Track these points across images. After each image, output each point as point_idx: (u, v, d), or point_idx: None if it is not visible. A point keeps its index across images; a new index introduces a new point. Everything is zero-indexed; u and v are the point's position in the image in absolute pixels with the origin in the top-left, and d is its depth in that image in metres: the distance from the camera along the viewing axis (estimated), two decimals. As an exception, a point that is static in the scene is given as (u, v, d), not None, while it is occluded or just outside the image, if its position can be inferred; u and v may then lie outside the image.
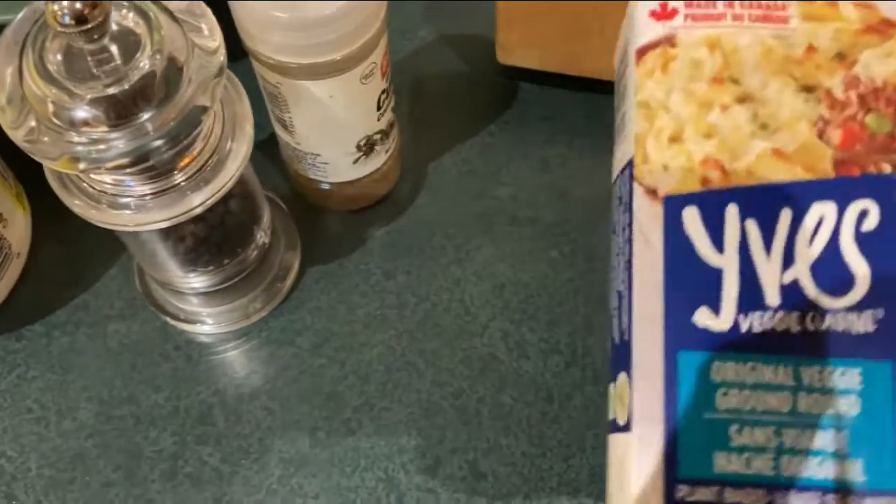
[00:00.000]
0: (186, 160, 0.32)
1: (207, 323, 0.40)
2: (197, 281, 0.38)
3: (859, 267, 0.24)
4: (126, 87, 0.28)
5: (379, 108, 0.37)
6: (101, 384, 0.40)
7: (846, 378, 0.23)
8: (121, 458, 0.38)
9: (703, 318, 0.24)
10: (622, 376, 0.25)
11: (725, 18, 0.27)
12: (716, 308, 0.24)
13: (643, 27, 0.27)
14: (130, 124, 0.28)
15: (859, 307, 0.24)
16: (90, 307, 0.42)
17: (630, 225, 0.26)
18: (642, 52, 0.27)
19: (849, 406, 0.23)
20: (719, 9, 0.27)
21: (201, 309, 0.40)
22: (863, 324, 0.24)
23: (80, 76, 0.28)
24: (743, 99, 0.26)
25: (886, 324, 0.23)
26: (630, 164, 0.26)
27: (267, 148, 0.45)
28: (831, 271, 0.24)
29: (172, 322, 0.41)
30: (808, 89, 0.26)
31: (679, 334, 0.24)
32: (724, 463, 0.23)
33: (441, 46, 0.48)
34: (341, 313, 0.41)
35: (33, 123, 0.28)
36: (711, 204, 0.25)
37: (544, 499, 0.36)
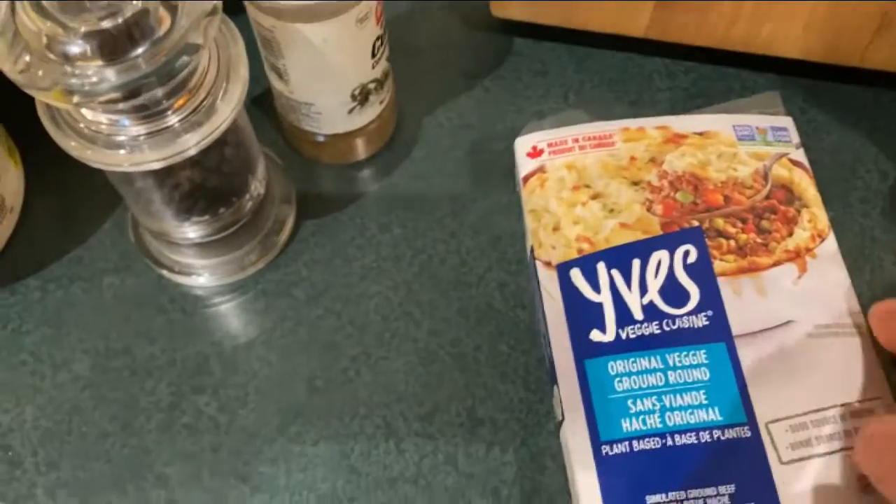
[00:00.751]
0: (181, 100, 0.32)
1: (203, 275, 0.40)
2: (192, 231, 0.38)
3: (690, 286, 0.36)
4: (119, 21, 0.28)
5: (374, 55, 0.37)
6: (97, 337, 0.40)
7: (696, 357, 0.34)
8: (117, 408, 0.38)
9: (596, 336, 0.35)
10: (555, 388, 0.35)
11: (574, 149, 0.40)
12: (602, 328, 0.35)
13: (524, 163, 0.40)
14: (124, 59, 0.28)
15: (695, 311, 0.35)
16: (84, 261, 0.41)
17: (539, 288, 0.37)
18: (526, 178, 0.40)
19: (702, 374, 0.34)
20: (569, 143, 0.40)
21: (196, 261, 0.40)
22: (700, 321, 0.35)
23: (73, 10, 0.28)
24: (595, 196, 0.38)
25: (715, 319, 0.35)
26: (532, 249, 0.38)
27: (262, 102, 0.45)
28: (673, 292, 0.35)
29: (168, 275, 0.41)
30: (635, 183, 0.38)
31: (582, 349, 0.35)
32: (628, 425, 0.33)
33: (436, 1, 0.48)
34: (337, 265, 0.41)
35: (27, 58, 0.28)
36: (587, 264, 0.37)
37: (542, 442, 0.36)
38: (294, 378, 0.39)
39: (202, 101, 0.32)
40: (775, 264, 0.36)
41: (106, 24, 0.28)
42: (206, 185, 0.36)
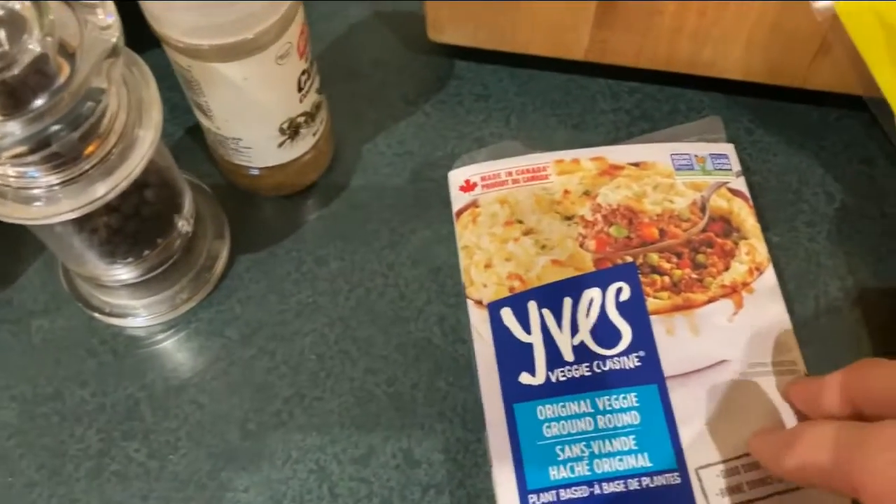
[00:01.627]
0: (91, 147, 0.30)
1: (134, 316, 0.39)
2: (119, 273, 0.37)
3: (622, 326, 0.35)
4: (16, 71, 0.27)
5: (300, 89, 0.36)
6: (25, 382, 0.39)
7: (627, 400, 0.33)
8: (45, 456, 0.37)
9: (525, 379, 0.34)
10: (485, 433, 0.35)
11: (507, 183, 0.39)
12: (532, 371, 0.34)
13: (456, 197, 0.39)
14: (25, 111, 0.27)
15: (627, 352, 0.34)
16: (13, 303, 0.40)
17: (469, 327, 0.37)
18: (458, 213, 0.39)
19: (632, 418, 0.33)
20: (502, 177, 0.39)
21: (127, 302, 0.39)
22: (632, 362, 0.34)
23: (-35, 64, 0.27)
24: (527, 232, 0.37)
25: (647, 360, 0.34)
26: (462, 287, 0.38)
27: (196, 134, 0.43)
28: (605, 332, 0.35)
29: (98, 316, 0.40)
30: (568, 218, 0.37)
31: (511, 393, 0.34)
32: (556, 473, 0.32)
33: (374, 25, 0.47)
34: (272, 302, 0.40)
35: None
36: (518, 303, 0.36)
37: (479, 484, 0.36)
38: (226, 421, 0.38)
39: (113, 147, 0.31)
40: (710, 301, 0.35)
41: (2, 76, 0.27)
42: (125, 229, 0.34)
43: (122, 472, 0.37)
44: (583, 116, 0.44)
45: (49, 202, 0.31)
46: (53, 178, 0.30)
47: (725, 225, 0.37)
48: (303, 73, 0.36)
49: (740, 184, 0.39)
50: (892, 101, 0.36)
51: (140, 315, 0.39)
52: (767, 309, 0.35)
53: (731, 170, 0.39)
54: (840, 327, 0.39)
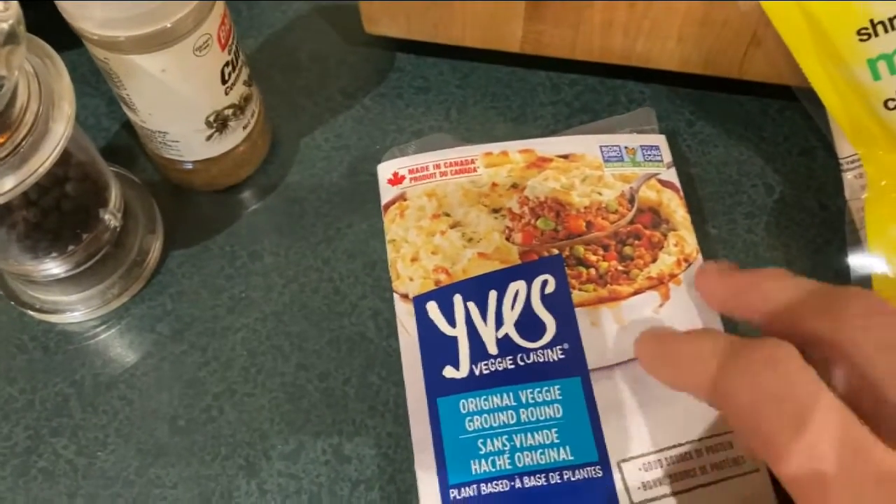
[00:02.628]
0: (1, 139, 0.30)
1: (64, 312, 0.39)
2: (47, 267, 0.37)
3: (547, 318, 0.34)
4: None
5: (224, 81, 0.36)
6: (-48, 379, 0.38)
7: (550, 393, 0.33)
8: (-30, 455, 0.37)
9: (449, 372, 0.34)
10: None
11: (435, 176, 0.39)
12: (456, 364, 0.34)
13: (385, 190, 0.39)
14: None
15: (551, 344, 0.34)
16: (-58, 299, 0.40)
17: (395, 321, 0.37)
18: (386, 207, 0.39)
19: (554, 411, 0.33)
20: (430, 170, 0.39)
21: (57, 297, 0.39)
22: (555, 355, 0.34)
23: None
24: (454, 225, 0.37)
25: (571, 352, 0.34)
26: (389, 281, 0.38)
27: (132, 129, 0.43)
28: (529, 324, 0.34)
29: (29, 312, 0.39)
30: (496, 210, 0.37)
31: (435, 386, 0.34)
32: (478, 467, 0.32)
33: (315, 18, 0.47)
34: (204, 297, 0.40)
35: None
36: (444, 296, 0.35)
37: (409, 479, 0.35)
38: (156, 417, 0.37)
39: (23, 139, 0.30)
40: (636, 293, 0.35)
41: None
42: (45, 224, 0.34)
43: (50, 469, 0.36)
44: (523, 109, 0.44)
45: (-41, 195, 0.30)
46: (-37, 172, 0.30)
47: (654, 216, 0.37)
48: (226, 64, 0.35)
49: (671, 175, 0.38)
50: (821, 95, 0.36)
51: (71, 311, 0.39)
52: (695, 301, 0.35)
53: (661, 161, 0.39)
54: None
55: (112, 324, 0.39)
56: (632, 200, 0.37)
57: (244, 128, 0.39)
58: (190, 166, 0.40)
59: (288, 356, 0.38)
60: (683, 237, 0.36)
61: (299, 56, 0.46)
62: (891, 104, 0.34)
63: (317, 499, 0.35)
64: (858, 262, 0.37)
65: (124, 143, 0.44)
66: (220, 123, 0.37)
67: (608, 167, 0.38)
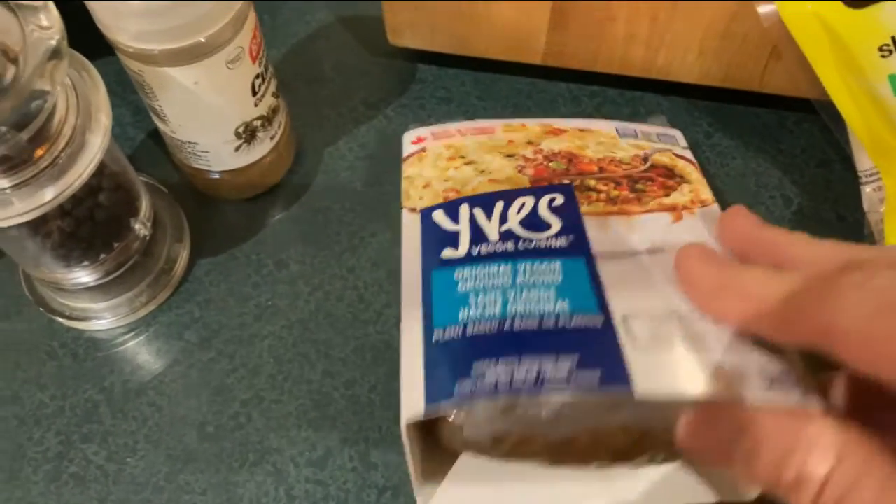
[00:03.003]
0: (41, 150, 0.31)
1: (94, 319, 0.39)
2: (77, 276, 0.37)
3: (552, 219, 0.32)
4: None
5: (255, 93, 0.37)
6: (-16, 385, 0.39)
7: (551, 267, 0.30)
8: (2, 459, 0.37)
9: (447, 253, 0.32)
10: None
11: (455, 136, 0.38)
12: (455, 246, 0.32)
13: (407, 147, 0.39)
14: (-31, 116, 0.27)
15: (557, 235, 0.32)
16: (-27, 307, 0.41)
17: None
18: (406, 158, 0.38)
19: (554, 277, 0.30)
20: (451, 132, 0.39)
21: (86, 305, 0.39)
22: (560, 243, 0.31)
23: None
24: (468, 163, 0.37)
25: (575, 241, 0.31)
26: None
27: (159, 136, 0.44)
28: (534, 222, 0.32)
29: (59, 320, 0.40)
30: (510, 156, 0.37)
31: (431, 264, 0.32)
32: (465, 314, 0.29)
33: (338, 29, 0.47)
34: (231, 305, 0.40)
35: None
36: (451, 206, 0.34)
37: (434, 487, 0.36)
38: (184, 424, 0.38)
39: (62, 151, 0.31)
40: (647, 212, 0.33)
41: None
42: (78, 234, 0.35)
43: (80, 474, 0.37)
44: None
45: (0, 206, 0.31)
46: (4, 182, 0.31)
47: (668, 172, 0.35)
48: (256, 76, 0.36)
49: (687, 153, 0.37)
50: (841, 108, 0.36)
51: (100, 318, 0.39)
52: (709, 230, 0.32)
53: (677, 143, 0.38)
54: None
55: (140, 331, 0.40)
56: (645, 159, 0.36)
57: (271, 138, 0.40)
58: (217, 176, 0.40)
59: (314, 363, 0.39)
60: (699, 189, 0.35)
61: (323, 67, 0.46)
62: (911, 118, 0.35)
63: (344, 505, 0.36)
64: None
65: (150, 152, 0.44)
66: (248, 134, 0.38)
67: (623, 139, 0.37)
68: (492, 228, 0.33)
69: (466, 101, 0.45)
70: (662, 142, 0.38)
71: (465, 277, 0.31)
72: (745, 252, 0.28)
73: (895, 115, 0.35)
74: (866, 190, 0.38)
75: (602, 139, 0.37)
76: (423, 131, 0.39)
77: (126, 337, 0.40)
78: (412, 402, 0.28)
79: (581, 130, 0.38)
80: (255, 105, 0.37)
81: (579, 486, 0.30)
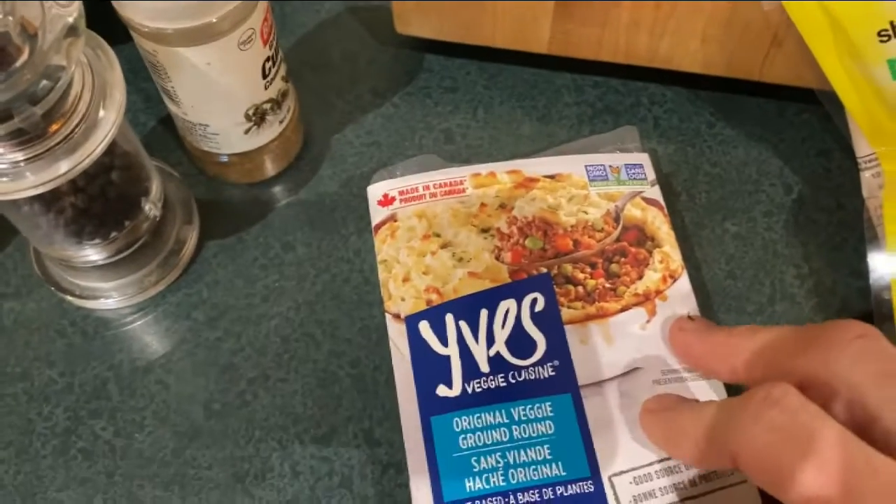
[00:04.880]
0: (56, 126, 0.31)
1: (103, 298, 0.40)
2: (88, 254, 0.38)
3: (537, 336, 0.35)
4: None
5: (265, 76, 0.37)
6: (-5, 362, 0.39)
7: (542, 409, 0.34)
8: (12, 434, 0.38)
9: (442, 391, 0.35)
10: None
11: (425, 197, 0.39)
12: (449, 383, 0.35)
13: (375, 211, 0.40)
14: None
15: (542, 362, 0.35)
16: (-15, 285, 0.41)
17: (387, 341, 0.37)
18: (377, 227, 0.40)
19: (546, 428, 0.33)
20: (420, 191, 0.40)
21: (97, 284, 0.40)
22: (546, 372, 0.34)
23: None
24: (445, 245, 0.38)
25: (561, 369, 0.35)
26: (381, 302, 0.39)
27: (169, 123, 0.44)
28: (519, 343, 0.35)
29: (69, 298, 0.40)
30: (485, 230, 0.38)
31: (428, 406, 0.35)
32: (472, 484, 0.33)
33: (347, 18, 0.48)
34: (239, 286, 0.41)
35: None
36: (435, 316, 0.36)
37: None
38: (191, 401, 0.38)
39: (76, 126, 0.32)
40: (623, 309, 0.36)
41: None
42: (91, 210, 0.35)
43: (88, 449, 0.37)
44: (548, 109, 0.45)
45: (15, 178, 0.31)
46: (19, 155, 0.31)
47: (639, 234, 0.38)
48: (267, 59, 0.37)
49: (655, 192, 0.39)
50: (840, 94, 0.37)
51: (109, 297, 0.40)
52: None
53: (645, 179, 0.40)
54: (795, 314, 0.40)
55: (149, 311, 0.41)
56: (617, 219, 0.38)
57: (280, 122, 0.40)
58: (226, 159, 0.41)
59: (320, 343, 0.39)
60: (668, 254, 0.38)
61: (331, 55, 0.47)
62: (909, 103, 0.35)
63: (348, 481, 0.36)
64: (876, 259, 0.38)
65: (161, 138, 0.45)
66: (258, 117, 0.39)
67: (593, 186, 0.39)
68: (480, 353, 0.35)
69: (472, 90, 0.46)
70: (631, 179, 0.39)
71: (464, 429, 0.34)
72: (706, 363, 0.33)
73: (893, 100, 0.35)
74: (865, 175, 0.39)
75: (573, 191, 0.39)
76: (388, 187, 0.41)
77: (135, 316, 0.40)
78: None
79: (552, 179, 0.40)
80: (265, 88, 0.38)
81: None
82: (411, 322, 0.37)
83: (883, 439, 0.26)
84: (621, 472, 0.33)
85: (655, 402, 0.33)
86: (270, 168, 0.43)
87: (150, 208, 0.39)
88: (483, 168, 0.40)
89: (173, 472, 0.37)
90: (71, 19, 0.29)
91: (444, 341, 0.36)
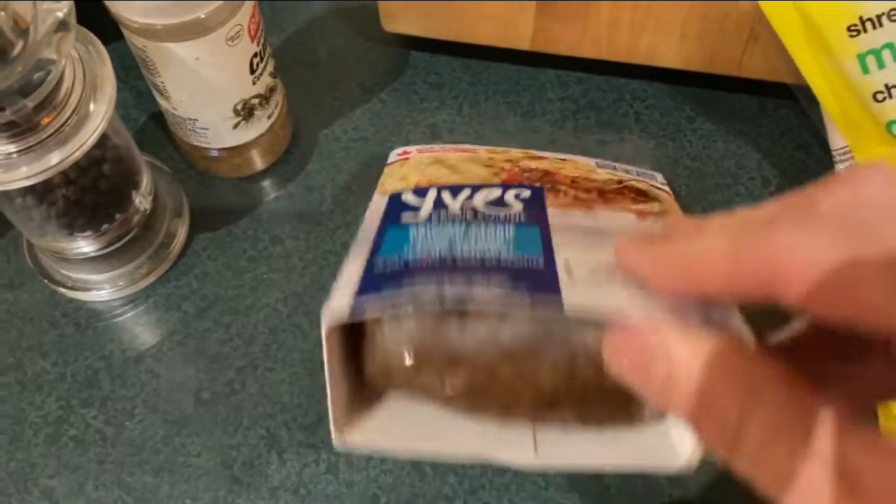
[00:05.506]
0: (47, 118, 0.32)
1: (94, 290, 0.41)
2: (79, 245, 0.39)
3: (515, 203, 0.31)
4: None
5: (253, 71, 0.38)
6: (-12, 352, 0.40)
7: (505, 228, 0.29)
8: (4, 423, 0.38)
9: (406, 217, 0.31)
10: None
11: (439, 152, 0.38)
12: (416, 212, 0.31)
13: (392, 159, 0.38)
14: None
15: (517, 213, 0.31)
16: (-21, 278, 0.42)
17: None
18: (389, 164, 0.37)
19: (506, 233, 0.29)
20: (436, 150, 0.38)
21: (88, 276, 0.41)
22: (518, 216, 0.30)
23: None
24: (447, 168, 0.36)
25: (534, 214, 0.31)
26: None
27: (160, 119, 0.45)
28: (497, 204, 0.31)
29: (61, 290, 0.41)
30: (488, 166, 0.37)
31: (387, 223, 0.31)
32: (409, 251, 0.28)
33: (334, 16, 0.49)
34: (228, 278, 0.42)
35: None
36: (420, 190, 0.33)
37: (422, 451, 0.37)
38: (181, 390, 0.39)
39: (68, 119, 0.33)
40: (613, 211, 0.32)
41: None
42: (82, 202, 0.36)
43: (80, 437, 0.38)
44: (532, 105, 0.46)
45: (7, 169, 0.32)
46: (12, 147, 0.32)
47: (642, 193, 0.35)
48: (255, 55, 0.38)
49: (664, 188, 0.39)
50: (814, 88, 0.38)
51: (101, 289, 0.41)
52: None
53: (656, 179, 0.40)
54: (771, 305, 0.40)
55: (140, 302, 0.41)
56: (620, 182, 0.38)
57: (268, 117, 0.41)
58: (215, 154, 0.42)
59: (307, 333, 0.40)
60: (670, 209, 0.35)
61: (319, 53, 0.48)
62: (879, 97, 0.36)
63: (334, 468, 0.37)
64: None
65: (152, 134, 0.46)
66: (246, 112, 0.39)
67: (601, 168, 0.39)
68: (455, 204, 0.32)
69: (458, 87, 0.47)
70: (641, 177, 0.39)
71: (420, 235, 0.29)
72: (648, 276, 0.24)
73: (864, 94, 0.36)
74: (840, 168, 0.39)
75: (579, 166, 0.38)
76: (409, 148, 0.39)
77: (126, 307, 0.41)
78: (339, 302, 0.26)
79: (561, 159, 0.38)
80: (253, 83, 0.39)
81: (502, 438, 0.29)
82: (395, 195, 0.34)
83: None
84: (578, 263, 0.27)
85: (635, 234, 0.25)
86: (259, 162, 0.44)
87: (141, 201, 0.39)
88: (498, 149, 0.39)
89: (163, 460, 0.38)
90: (61, 14, 0.29)
91: (421, 196, 0.32)
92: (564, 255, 0.28)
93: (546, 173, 0.36)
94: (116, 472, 0.37)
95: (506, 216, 0.31)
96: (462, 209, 0.31)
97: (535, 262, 0.27)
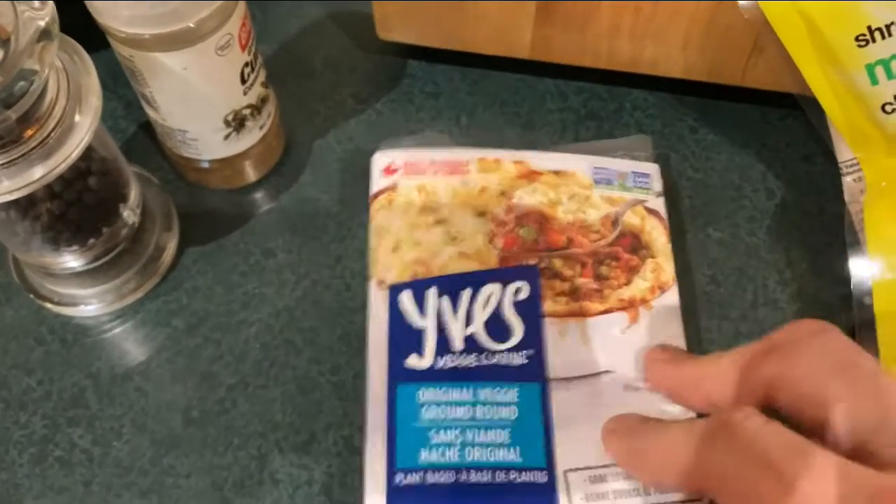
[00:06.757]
0: (31, 131, 0.31)
1: (82, 305, 0.40)
2: (65, 260, 0.38)
3: (516, 323, 0.35)
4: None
5: (244, 81, 0.37)
6: (-29, 370, 0.39)
7: (508, 395, 0.34)
8: (-12, 443, 0.37)
9: (412, 361, 0.35)
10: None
11: (428, 173, 0.39)
12: (421, 354, 0.35)
13: (377, 179, 0.40)
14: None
15: (516, 349, 0.35)
16: (-37, 293, 0.41)
17: (366, 307, 0.37)
18: (376, 195, 0.39)
19: (510, 412, 0.34)
20: (424, 166, 0.39)
21: (75, 291, 0.40)
22: (519, 359, 0.35)
23: None
24: (439, 222, 0.38)
25: (534, 359, 0.35)
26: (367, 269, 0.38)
27: (150, 130, 0.44)
28: (497, 327, 0.35)
29: (47, 305, 0.40)
30: (481, 214, 0.38)
31: (396, 373, 0.35)
32: (427, 456, 0.33)
33: (328, 25, 0.48)
34: (219, 293, 0.41)
35: None
36: (419, 288, 0.36)
37: (418, 472, 0.36)
38: (170, 409, 0.38)
39: (52, 131, 0.32)
40: (606, 312, 0.36)
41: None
42: (67, 216, 0.35)
43: (66, 458, 0.37)
44: (531, 115, 0.45)
45: (-6, 182, 0.31)
46: (-3, 160, 0.31)
47: (635, 241, 0.38)
48: (246, 65, 0.37)
49: (658, 204, 0.39)
50: (821, 99, 0.37)
51: (88, 304, 0.40)
52: (663, 328, 0.36)
53: (650, 189, 0.39)
54: (778, 319, 0.39)
55: (128, 318, 0.40)
56: (615, 223, 0.38)
57: (260, 128, 0.40)
58: (206, 165, 0.41)
59: (300, 350, 0.39)
60: (661, 265, 0.37)
61: (313, 62, 0.47)
62: (888, 108, 0.35)
63: (328, 489, 0.36)
64: (858, 264, 0.37)
65: (141, 145, 0.45)
66: (237, 123, 0.38)
67: (597, 188, 0.39)
68: (457, 330, 0.35)
69: (455, 96, 0.46)
70: (637, 187, 0.39)
71: (428, 401, 0.34)
72: (672, 394, 0.33)
73: (873, 105, 0.35)
74: (847, 181, 0.38)
75: (575, 189, 0.39)
76: (394, 157, 0.40)
77: (114, 323, 0.40)
78: None
79: (556, 175, 0.39)
80: (244, 94, 0.38)
81: None
82: (394, 291, 0.36)
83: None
84: (577, 469, 0.32)
85: (617, 422, 0.32)
86: (251, 174, 0.43)
87: (129, 215, 0.38)
88: (490, 153, 0.40)
89: (151, 481, 0.36)
90: (43, 23, 0.28)
91: (422, 312, 0.36)
92: (564, 464, 0.32)
93: (542, 223, 0.38)
94: (103, 494, 0.36)
95: (507, 364, 0.34)
96: (465, 345, 0.35)
97: (540, 480, 0.32)
